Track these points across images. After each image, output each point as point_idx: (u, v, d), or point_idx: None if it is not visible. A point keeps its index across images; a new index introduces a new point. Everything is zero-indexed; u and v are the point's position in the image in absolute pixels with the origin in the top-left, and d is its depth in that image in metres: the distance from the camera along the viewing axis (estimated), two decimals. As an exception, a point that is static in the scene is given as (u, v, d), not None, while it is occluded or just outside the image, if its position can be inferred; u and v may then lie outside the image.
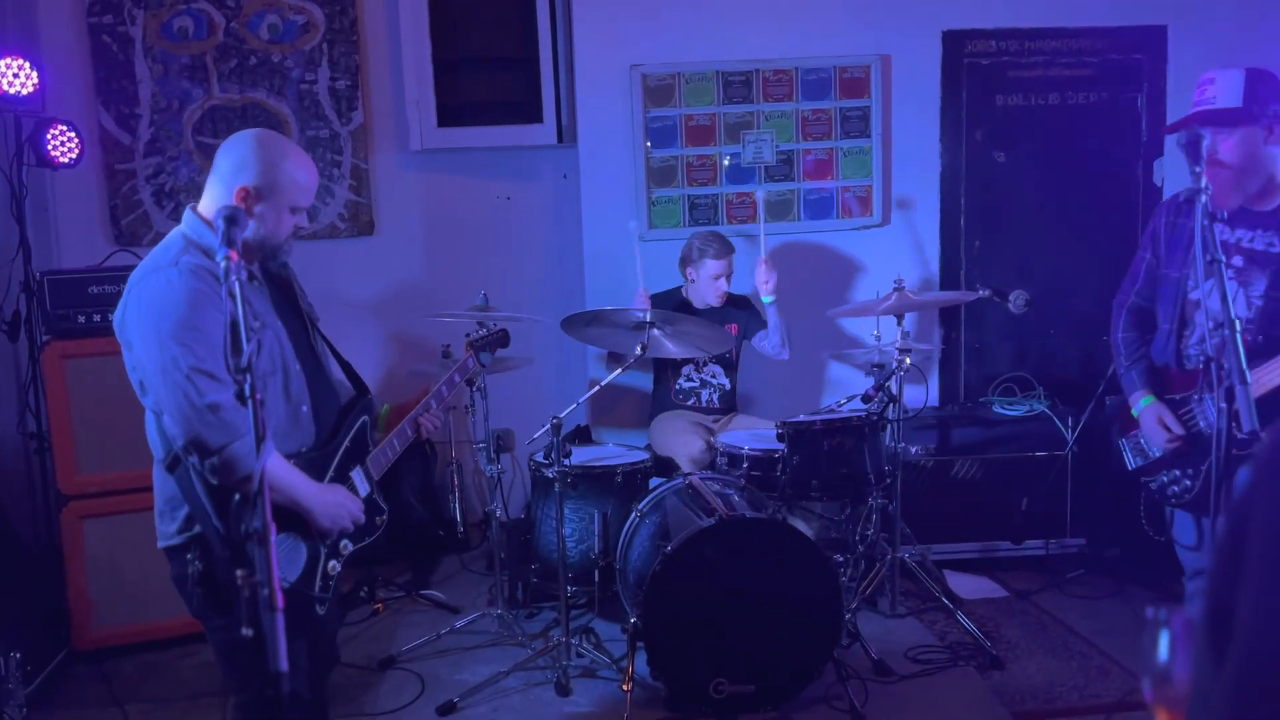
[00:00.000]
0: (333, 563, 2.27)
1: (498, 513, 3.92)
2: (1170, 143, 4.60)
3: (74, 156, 4.10)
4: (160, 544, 2.19)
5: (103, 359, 3.52)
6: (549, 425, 3.40)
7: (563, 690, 3.35)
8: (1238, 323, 2.07)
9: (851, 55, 4.70)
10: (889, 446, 3.83)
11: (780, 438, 3.63)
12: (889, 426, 3.84)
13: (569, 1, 4.68)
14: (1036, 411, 4.39)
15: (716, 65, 4.65)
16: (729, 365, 4.36)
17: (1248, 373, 2.04)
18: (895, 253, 4.77)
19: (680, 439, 4.02)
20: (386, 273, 4.92)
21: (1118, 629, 3.76)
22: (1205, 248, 2.18)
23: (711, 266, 4.18)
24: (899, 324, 3.88)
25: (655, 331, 3.56)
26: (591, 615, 3.93)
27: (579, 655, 3.54)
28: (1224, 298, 2.10)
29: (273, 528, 1.57)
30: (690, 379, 4.33)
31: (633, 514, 3.55)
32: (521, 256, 4.99)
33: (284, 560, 2.13)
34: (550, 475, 3.52)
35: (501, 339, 3.12)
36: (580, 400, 3.56)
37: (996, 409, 4.51)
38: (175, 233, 2.21)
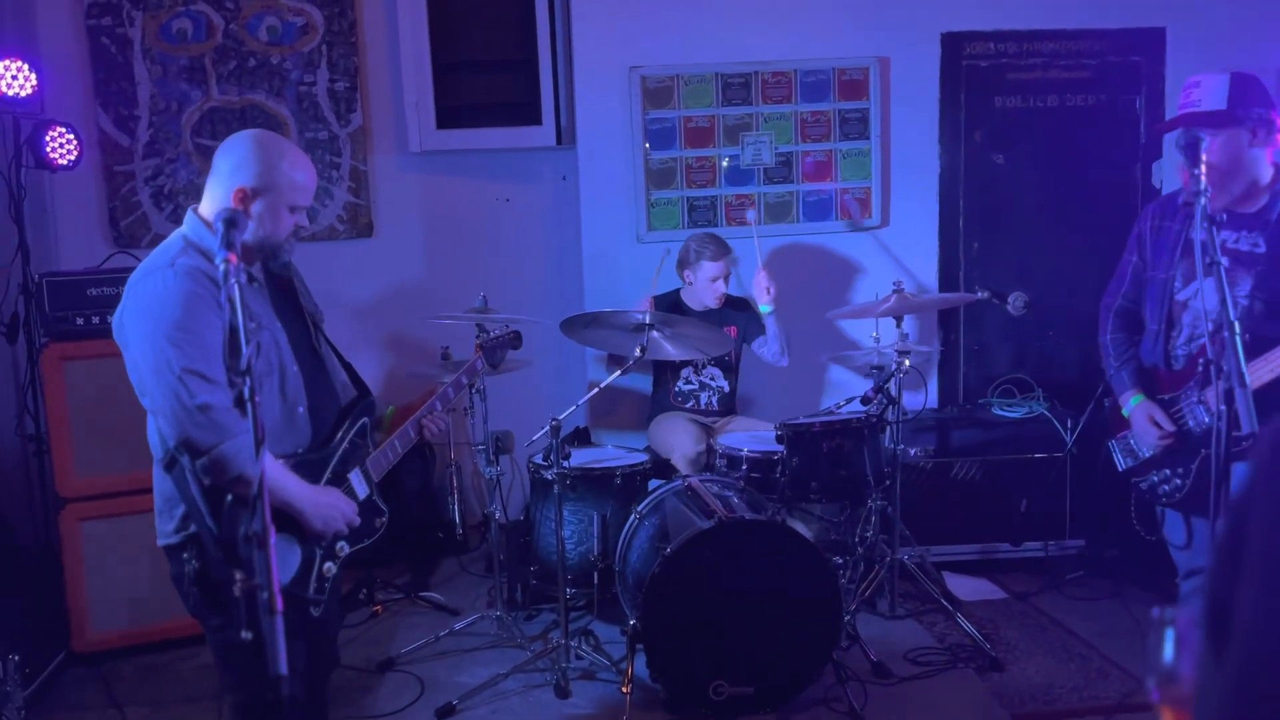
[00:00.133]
0: (328, 564, 2.27)
1: (497, 515, 3.92)
2: (1169, 145, 4.60)
3: (73, 158, 4.09)
4: (159, 543, 2.21)
5: (101, 361, 3.52)
6: (548, 427, 3.40)
7: (562, 692, 3.35)
8: (1237, 325, 2.07)
9: (850, 57, 4.70)
10: (888, 448, 3.83)
11: (779, 440, 3.64)
12: (888, 428, 3.84)
13: (568, 3, 4.68)
14: (1035, 413, 4.39)
15: (716, 67, 4.65)
16: (728, 368, 4.36)
17: (1247, 375, 2.05)
18: (894, 254, 4.77)
19: (679, 441, 4.02)
20: (385, 274, 4.92)
21: (1117, 630, 3.76)
22: (1205, 250, 2.18)
23: (709, 268, 4.18)
24: (898, 326, 3.88)
25: (654, 333, 3.56)
26: (591, 617, 3.93)
27: (578, 657, 3.53)
28: (1224, 300, 2.11)
29: (272, 530, 1.57)
30: (689, 381, 4.33)
31: (632, 516, 3.55)
32: (520, 258, 4.99)
33: (277, 562, 2.13)
34: (549, 477, 3.52)
35: (513, 341, 3.08)
36: (579, 402, 3.56)
37: (995, 411, 4.51)
38: (176, 234, 2.22)
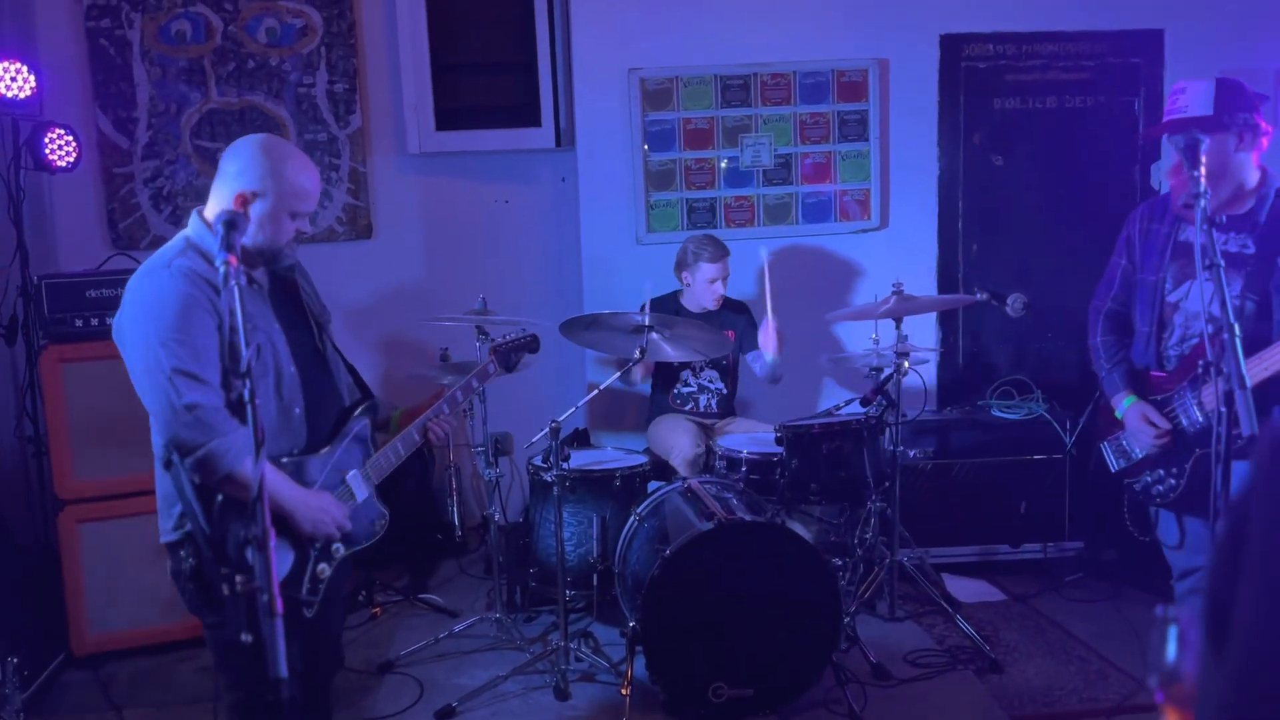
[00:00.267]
0: (322, 565, 2.27)
1: (496, 516, 3.92)
2: (1167, 147, 4.61)
3: (71, 160, 4.09)
4: (161, 540, 2.24)
5: (100, 363, 3.51)
6: (547, 429, 3.39)
7: (561, 694, 3.35)
8: (1237, 327, 2.08)
9: (849, 59, 4.71)
10: (887, 450, 3.83)
11: (779, 441, 3.64)
12: (887, 430, 3.84)
13: (567, 5, 4.68)
14: (1035, 415, 4.39)
15: (715, 69, 4.65)
16: (725, 370, 4.36)
17: (1247, 377, 2.05)
18: (893, 256, 4.77)
19: (679, 443, 4.02)
20: (384, 276, 4.92)
21: (1116, 632, 3.76)
22: (1205, 252, 2.19)
23: (707, 270, 4.18)
24: (897, 328, 3.88)
25: (654, 335, 3.56)
26: (590, 619, 3.93)
27: (578, 659, 3.53)
28: (1223, 303, 2.12)
29: (272, 533, 1.57)
30: (688, 384, 4.33)
31: (631, 518, 3.55)
32: (520, 260, 4.98)
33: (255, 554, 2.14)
34: (549, 479, 3.52)
35: (530, 344, 3.06)
36: (579, 404, 3.56)
37: (995, 412, 4.51)
38: (179, 236, 2.25)
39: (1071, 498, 4.33)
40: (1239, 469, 2.16)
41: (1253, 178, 2.65)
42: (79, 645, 3.67)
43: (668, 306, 4.26)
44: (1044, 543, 4.35)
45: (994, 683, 3.43)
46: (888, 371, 3.77)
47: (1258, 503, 0.87)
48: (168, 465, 2.16)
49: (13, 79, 3.82)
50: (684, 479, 3.61)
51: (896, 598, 3.96)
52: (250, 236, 2.18)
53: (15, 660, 3.08)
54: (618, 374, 3.74)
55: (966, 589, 4.20)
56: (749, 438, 3.94)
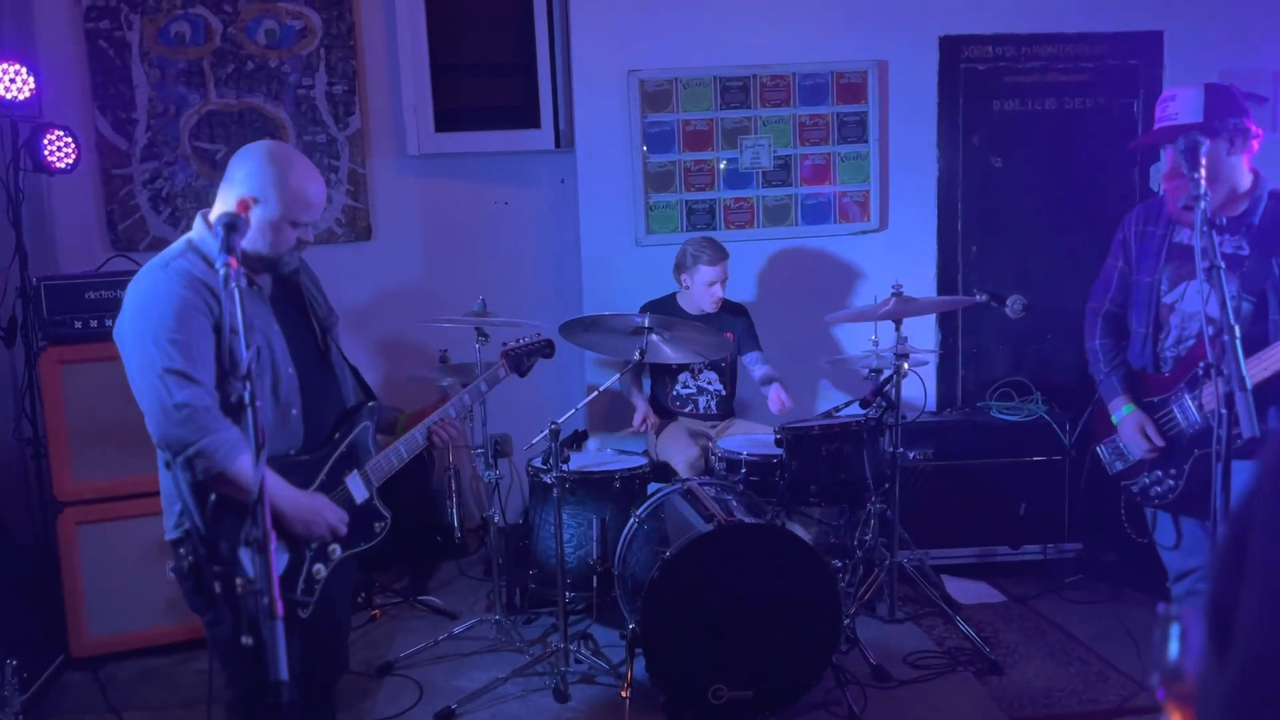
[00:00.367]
0: (318, 566, 2.27)
1: (495, 518, 3.92)
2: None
3: (70, 161, 4.09)
4: (165, 537, 2.26)
5: (99, 365, 3.51)
6: (547, 431, 3.39)
7: (561, 696, 3.35)
8: (1237, 329, 2.08)
9: (849, 61, 4.71)
10: (887, 451, 3.83)
11: (779, 443, 3.64)
12: (887, 432, 3.84)
13: (567, 6, 4.68)
14: (1034, 416, 4.39)
15: (714, 70, 4.66)
16: (725, 372, 4.36)
17: (1247, 378, 2.06)
18: (893, 258, 4.77)
19: (678, 444, 4.01)
20: (383, 278, 4.92)
21: (1115, 634, 3.76)
22: (1205, 254, 2.20)
23: (706, 273, 4.18)
24: (897, 329, 3.88)
25: (653, 337, 3.56)
26: (590, 621, 3.92)
27: (577, 661, 3.53)
28: (1223, 304, 2.13)
29: (273, 536, 1.57)
30: (687, 386, 4.33)
31: (631, 520, 3.55)
32: (519, 262, 4.98)
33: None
34: (548, 481, 3.52)
35: (544, 349, 3.05)
36: (578, 406, 3.56)
37: (994, 414, 4.51)
38: (182, 238, 2.27)
39: (1071, 499, 4.33)
40: (1239, 469, 2.17)
41: (1245, 181, 2.68)
42: (78, 647, 3.67)
43: (665, 309, 4.26)
44: (1044, 544, 4.35)
45: (994, 684, 3.43)
46: (887, 373, 3.77)
47: (1262, 507, 0.87)
48: (169, 464, 2.18)
49: (12, 80, 3.82)
50: (684, 481, 3.60)
51: (896, 599, 3.95)
52: (250, 242, 2.19)
53: (14, 662, 3.07)
54: (617, 376, 3.73)
55: (966, 590, 4.20)
56: (748, 439, 3.94)
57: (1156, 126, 2.71)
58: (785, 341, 4.62)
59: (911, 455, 4.24)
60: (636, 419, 4.23)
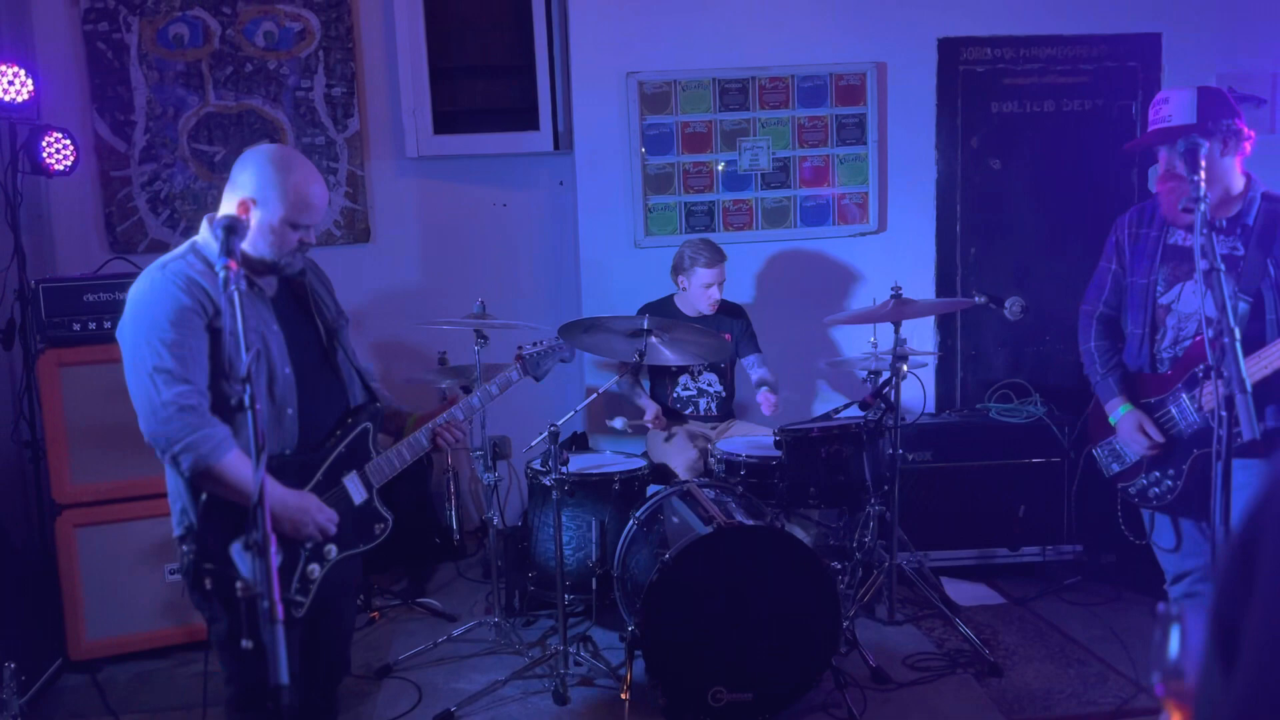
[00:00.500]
0: (313, 566, 2.27)
1: (494, 520, 3.91)
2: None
3: (69, 164, 4.08)
4: (174, 534, 2.29)
5: (98, 367, 3.51)
6: (546, 433, 3.39)
7: (560, 699, 3.34)
8: (1237, 330, 2.08)
9: (847, 63, 4.71)
10: (886, 453, 3.82)
11: (778, 445, 3.64)
12: (886, 433, 3.84)
13: (565, 9, 4.68)
14: (1033, 418, 4.40)
15: (713, 72, 4.66)
16: (724, 374, 4.35)
17: (1247, 380, 2.06)
18: (891, 259, 4.77)
19: (678, 446, 4.01)
20: (382, 280, 4.91)
21: (1115, 635, 3.76)
22: (1204, 255, 2.21)
23: (703, 275, 4.17)
24: (896, 331, 3.88)
25: (653, 339, 3.56)
26: (589, 623, 3.92)
27: (577, 664, 3.52)
28: (1222, 306, 2.13)
29: (273, 538, 1.57)
30: (687, 388, 4.33)
31: (630, 522, 3.54)
32: (518, 264, 4.98)
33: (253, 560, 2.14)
34: (548, 483, 3.52)
35: (563, 351, 3.02)
36: (578, 408, 3.56)
37: (993, 415, 4.51)
38: (189, 241, 2.29)
39: (1070, 501, 4.33)
40: (1238, 467, 2.18)
41: (1238, 183, 2.70)
42: (76, 650, 3.66)
43: (663, 311, 4.26)
44: (1043, 546, 4.35)
45: (993, 686, 3.42)
46: (886, 375, 3.77)
47: (1269, 523, 0.84)
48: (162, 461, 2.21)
49: (10, 82, 3.82)
50: (683, 483, 3.60)
51: (895, 601, 3.95)
52: (252, 244, 2.22)
53: (12, 665, 3.06)
54: (617, 378, 3.73)
55: (965, 592, 4.20)
56: (748, 441, 3.94)
57: (1150, 129, 2.73)
58: (784, 343, 4.62)
59: (911, 457, 4.24)
60: (648, 415, 4.18)
